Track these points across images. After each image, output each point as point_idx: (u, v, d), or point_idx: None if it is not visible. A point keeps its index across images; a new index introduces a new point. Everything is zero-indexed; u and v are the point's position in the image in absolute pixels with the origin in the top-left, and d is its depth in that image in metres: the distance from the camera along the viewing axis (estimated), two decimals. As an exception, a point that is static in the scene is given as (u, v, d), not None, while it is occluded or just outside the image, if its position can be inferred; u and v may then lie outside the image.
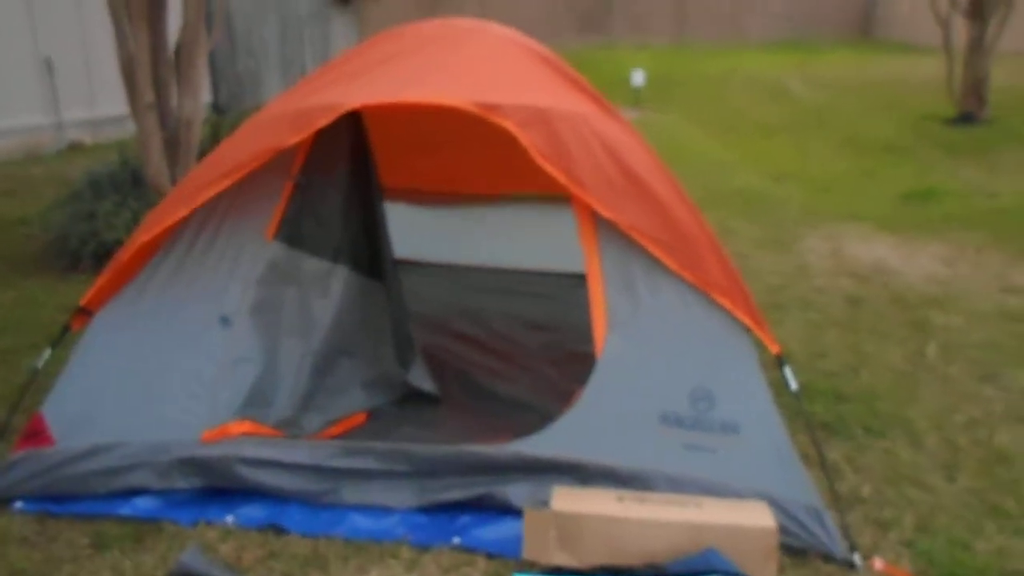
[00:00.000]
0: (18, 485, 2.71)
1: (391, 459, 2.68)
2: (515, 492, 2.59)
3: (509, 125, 2.61)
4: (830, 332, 4.27)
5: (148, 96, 4.83)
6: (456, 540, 2.52)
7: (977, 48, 9.85)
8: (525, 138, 2.61)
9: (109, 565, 2.45)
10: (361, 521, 2.62)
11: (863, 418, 3.30)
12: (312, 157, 2.98)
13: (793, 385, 2.60)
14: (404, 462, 2.67)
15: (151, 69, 4.84)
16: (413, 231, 4.00)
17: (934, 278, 5.10)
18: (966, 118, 9.88)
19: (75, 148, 9.33)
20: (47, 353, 2.84)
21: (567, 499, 2.42)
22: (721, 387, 2.58)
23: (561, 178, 2.63)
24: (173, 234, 2.84)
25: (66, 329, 2.85)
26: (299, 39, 13.07)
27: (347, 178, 3.09)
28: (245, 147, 2.72)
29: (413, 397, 3.31)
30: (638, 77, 13.05)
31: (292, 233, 2.96)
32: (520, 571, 2.32)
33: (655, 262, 2.65)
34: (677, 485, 2.53)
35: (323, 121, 2.64)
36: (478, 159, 3.86)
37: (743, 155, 9.12)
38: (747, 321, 2.60)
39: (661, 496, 2.47)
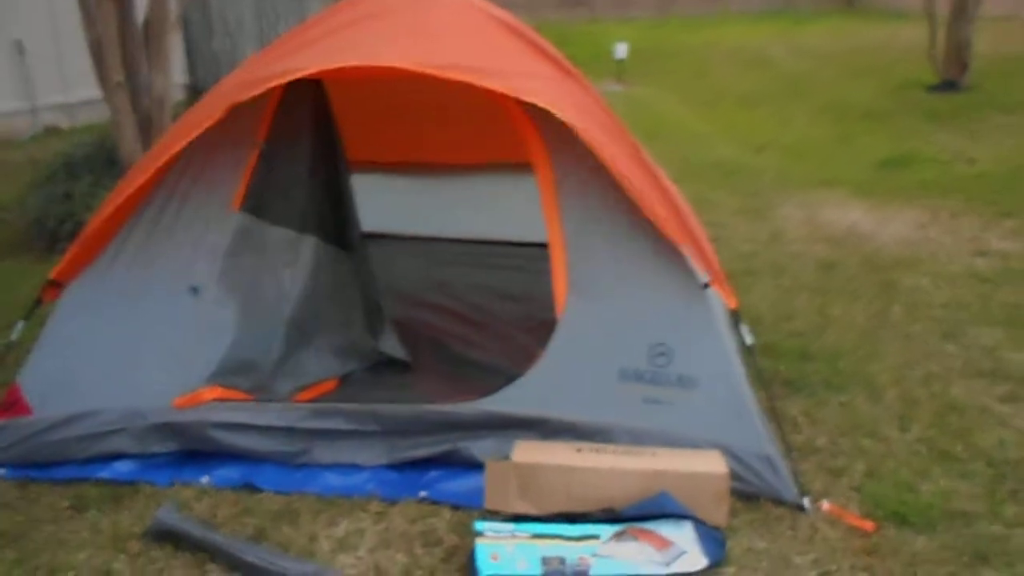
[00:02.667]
0: (-7, 454, 2.79)
1: (359, 419, 2.77)
2: (480, 447, 2.68)
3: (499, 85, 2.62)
4: (800, 296, 4.35)
5: (117, 75, 4.85)
6: (423, 494, 2.61)
7: (960, 14, 9.85)
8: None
9: (88, 524, 2.54)
10: (333, 479, 2.72)
11: (825, 375, 3.39)
12: (275, 126, 3.02)
13: (748, 340, 2.68)
14: (372, 422, 2.76)
15: (120, 48, 4.86)
16: (383, 203, 4.05)
17: (907, 241, 5.18)
18: (948, 85, 9.91)
19: (50, 132, 9.30)
20: (20, 326, 2.90)
21: (527, 451, 2.51)
22: (679, 343, 2.66)
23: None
24: (142, 205, 2.90)
25: (38, 302, 2.91)
26: (275, 16, 13.00)
27: (310, 147, 3.13)
28: (201, 110, 2.77)
29: (385, 364, 3.39)
30: (621, 50, 13.00)
31: (258, 203, 3.00)
32: (483, 519, 2.40)
33: (615, 225, 2.72)
34: (636, 437, 2.62)
35: (271, 84, 2.69)
36: (445, 129, 3.92)
37: (724, 126, 9.17)
38: (708, 273, 2.67)
39: (618, 447, 2.55)
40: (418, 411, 2.74)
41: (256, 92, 2.73)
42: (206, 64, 11.44)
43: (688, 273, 2.65)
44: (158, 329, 2.85)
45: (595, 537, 2.30)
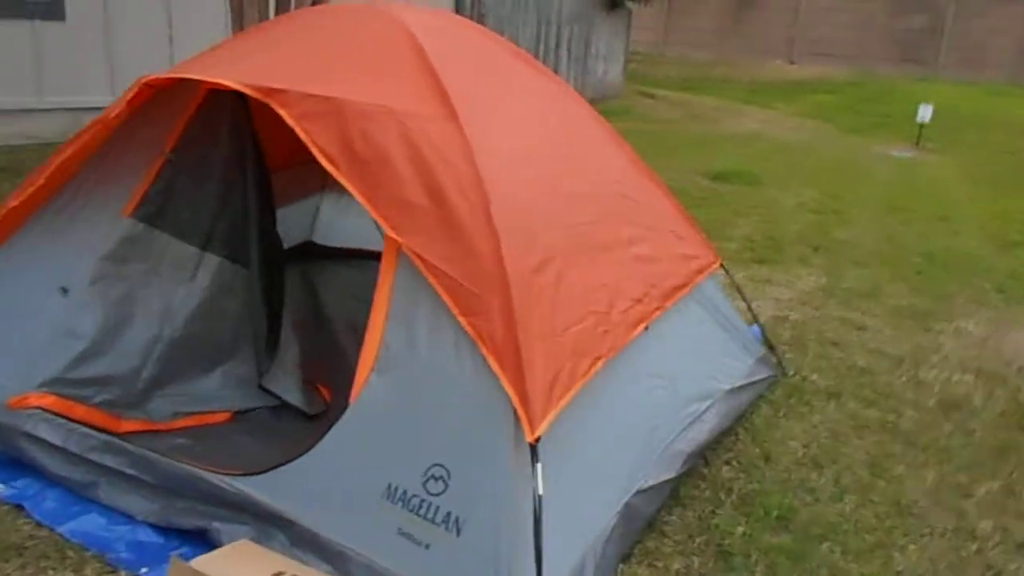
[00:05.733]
0: None
1: (140, 466, 2.47)
2: (233, 533, 2.26)
3: (285, 114, 2.26)
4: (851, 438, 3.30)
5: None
6: (144, 570, 2.26)
7: None
8: (302, 130, 2.25)
9: None
10: (99, 522, 2.45)
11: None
12: (187, 136, 2.83)
13: (540, 489, 1.96)
14: (149, 472, 2.45)
15: None
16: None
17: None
18: None
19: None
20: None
21: (221, 558, 2.06)
22: (462, 470, 2.04)
23: (347, 183, 2.24)
24: (47, 201, 2.87)
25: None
26: (556, 43, 13.10)
27: (223, 162, 2.91)
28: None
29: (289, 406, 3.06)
30: (924, 112, 11.42)
31: (155, 212, 2.84)
32: None
33: (443, 301, 2.16)
34: (373, 576, 2.04)
35: (130, 95, 2.49)
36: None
37: (993, 213, 7.55)
38: (512, 394, 2.02)
39: (327, 583, 2.00)
40: (188, 474, 2.38)
41: (130, 92, 2.56)
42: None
43: (501, 400, 2.02)
44: (19, 324, 2.79)
45: None
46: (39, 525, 2.45)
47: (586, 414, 2.31)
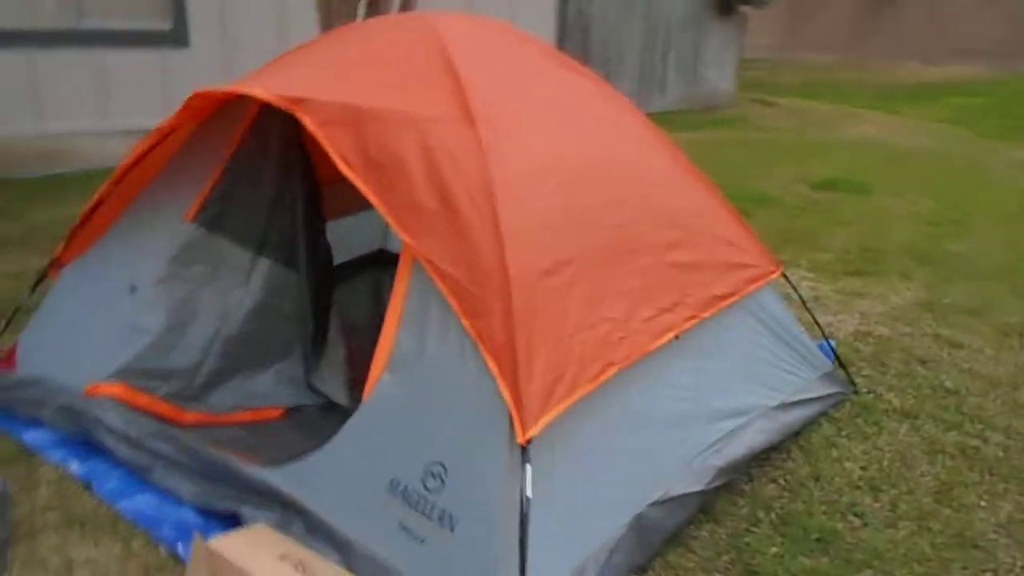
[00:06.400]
0: (-17, 397, 3.23)
1: (186, 453, 2.66)
2: (260, 518, 2.40)
3: (309, 122, 2.39)
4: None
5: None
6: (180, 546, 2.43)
7: None
8: (325, 137, 2.37)
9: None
10: (148, 502, 2.65)
11: None
12: (243, 147, 3.04)
13: (529, 491, 1.98)
14: (193, 459, 2.64)
15: None
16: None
17: None
18: None
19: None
20: (26, 295, 3.33)
21: (237, 539, 2.20)
22: (459, 468, 2.10)
23: (362, 187, 2.34)
24: (124, 210, 3.12)
25: (43, 275, 3.30)
26: (664, 51, 12.94)
27: (274, 173, 3.08)
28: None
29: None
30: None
31: (213, 217, 3.05)
32: None
33: (450, 303, 2.22)
34: (375, 571, 2.12)
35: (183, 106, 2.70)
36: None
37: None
38: (507, 395, 2.05)
39: (329, 568, 2.09)
40: (221, 461, 2.55)
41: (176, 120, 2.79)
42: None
43: (499, 401, 2.07)
44: (99, 320, 3.06)
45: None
46: (101, 502, 2.67)
47: (595, 421, 2.32)
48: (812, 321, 3.69)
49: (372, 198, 2.33)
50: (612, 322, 2.42)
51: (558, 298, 2.29)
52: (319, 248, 3.24)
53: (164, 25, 7.69)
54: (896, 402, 3.59)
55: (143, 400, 2.95)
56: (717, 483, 2.68)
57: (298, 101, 2.41)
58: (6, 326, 3.32)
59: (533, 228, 2.34)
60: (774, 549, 2.57)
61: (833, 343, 3.89)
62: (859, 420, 3.40)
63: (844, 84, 17.53)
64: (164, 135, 2.87)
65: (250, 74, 2.98)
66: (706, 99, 13.70)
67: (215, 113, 2.94)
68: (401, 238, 2.29)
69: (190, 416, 3.02)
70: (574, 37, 11.64)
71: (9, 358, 3.27)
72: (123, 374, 2.94)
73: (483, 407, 2.10)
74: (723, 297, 2.96)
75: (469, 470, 2.08)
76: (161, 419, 2.92)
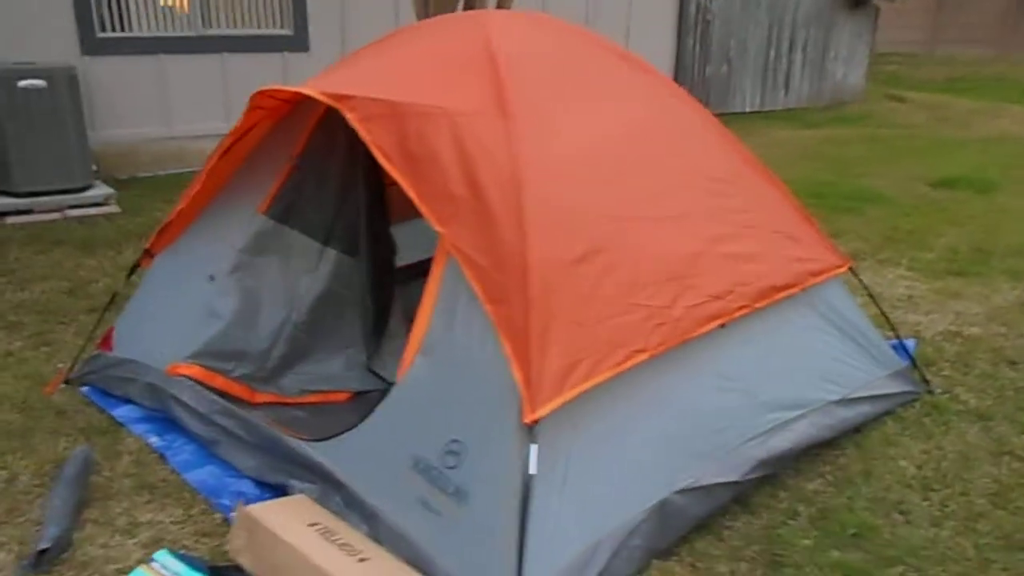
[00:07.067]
0: (84, 376, 3.54)
1: (245, 429, 2.85)
2: (305, 491, 2.56)
3: (352, 117, 2.53)
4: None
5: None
6: (232, 514, 2.61)
7: None
8: (366, 132, 2.51)
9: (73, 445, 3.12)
10: (213, 473, 2.87)
11: None
12: (311, 144, 3.22)
13: (532, 468, 2.03)
14: (252, 434, 2.83)
15: None
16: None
17: None
18: None
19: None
20: (121, 284, 3.64)
21: (276, 507, 2.35)
22: (475, 446, 2.18)
23: (399, 178, 2.46)
24: (207, 205, 3.37)
25: (136, 265, 3.60)
26: (789, 46, 12.55)
27: (340, 168, 3.25)
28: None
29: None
30: None
31: (284, 210, 3.25)
32: (173, 552, 2.33)
33: (474, 309, 2.31)
34: (396, 542, 2.24)
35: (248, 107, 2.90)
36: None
37: None
38: (519, 376, 2.11)
39: (352, 535, 2.21)
40: (275, 437, 2.72)
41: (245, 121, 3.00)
42: (695, 91, 11.54)
43: (513, 384, 2.14)
44: (182, 305, 3.31)
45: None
46: (173, 472, 2.91)
47: (622, 405, 2.35)
48: (882, 317, 3.54)
49: (407, 188, 2.44)
50: (649, 308, 2.43)
51: (586, 285, 2.32)
52: (382, 241, 3.39)
53: (286, 31, 8.19)
54: (973, 403, 3.40)
55: (218, 381, 3.18)
56: (756, 475, 2.64)
57: (342, 98, 2.56)
58: (105, 310, 3.65)
59: (562, 218, 2.38)
60: (806, 542, 2.51)
61: (913, 342, 3.71)
62: (927, 419, 3.25)
63: (991, 78, 16.47)
64: (240, 135, 3.09)
65: (322, 71, 3.16)
66: (833, 95, 13.22)
67: (288, 112, 3.15)
68: (433, 227, 2.39)
69: (261, 397, 3.23)
70: (694, 32, 11.49)
71: (106, 340, 3.58)
72: (199, 356, 3.18)
73: (498, 388, 2.16)
74: (780, 288, 2.91)
75: (483, 448, 2.15)
76: (234, 399, 3.14)
